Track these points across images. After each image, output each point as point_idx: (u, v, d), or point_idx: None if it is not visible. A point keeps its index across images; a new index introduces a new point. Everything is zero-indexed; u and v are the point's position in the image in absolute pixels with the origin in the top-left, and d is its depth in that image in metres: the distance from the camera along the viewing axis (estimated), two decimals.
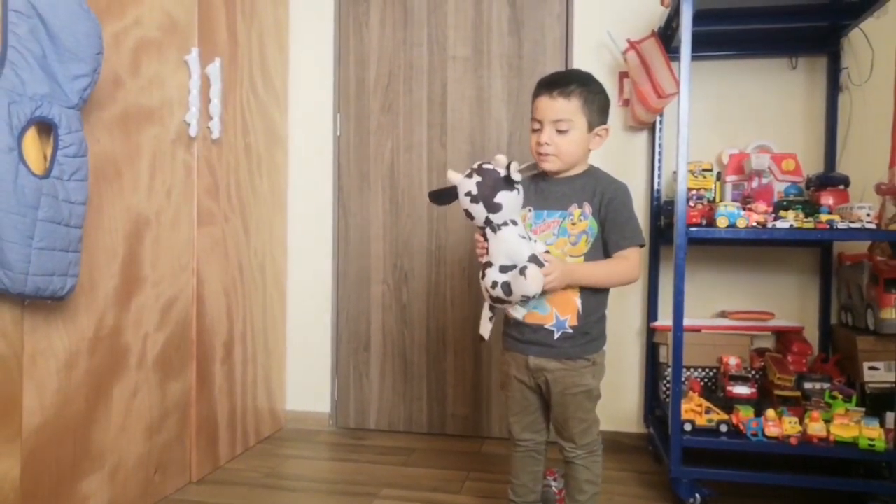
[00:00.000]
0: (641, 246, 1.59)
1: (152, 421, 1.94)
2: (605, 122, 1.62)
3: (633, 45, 2.35)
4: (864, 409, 1.93)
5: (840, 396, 1.97)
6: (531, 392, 1.66)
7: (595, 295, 1.59)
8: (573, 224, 1.57)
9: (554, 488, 1.92)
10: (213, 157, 2.22)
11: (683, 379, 2.04)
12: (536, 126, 1.59)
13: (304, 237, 2.80)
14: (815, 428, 1.87)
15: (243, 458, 2.41)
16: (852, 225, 1.87)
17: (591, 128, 1.58)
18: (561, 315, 1.56)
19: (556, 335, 1.56)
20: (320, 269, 2.80)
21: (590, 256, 1.56)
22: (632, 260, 1.56)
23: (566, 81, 1.57)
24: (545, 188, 1.64)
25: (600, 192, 1.57)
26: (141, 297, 1.87)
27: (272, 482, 2.19)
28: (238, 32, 2.36)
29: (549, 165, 1.59)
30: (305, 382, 2.80)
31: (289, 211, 2.81)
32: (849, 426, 1.85)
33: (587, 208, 1.57)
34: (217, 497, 2.05)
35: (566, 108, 1.54)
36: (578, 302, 1.57)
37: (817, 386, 2.06)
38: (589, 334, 1.59)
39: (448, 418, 2.70)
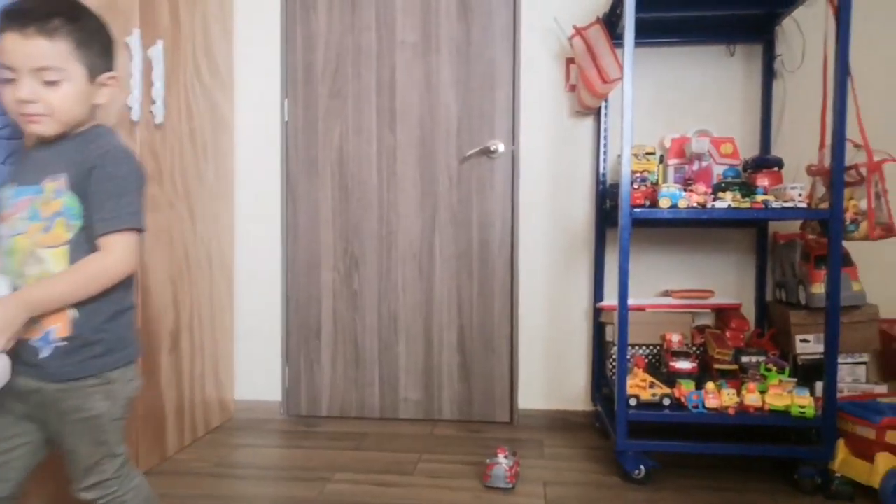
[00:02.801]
0: (135, 230, 1.18)
1: None
2: (111, 68, 1.23)
3: (578, 31, 2.39)
4: (795, 380, 2.04)
5: (774, 368, 2.07)
6: (23, 422, 1.21)
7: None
8: (46, 203, 1.15)
9: (504, 465, 1.95)
10: (157, 142, 2.16)
11: (629, 356, 2.10)
12: (10, 75, 1.12)
13: (251, 224, 2.76)
14: (752, 399, 1.96)
15: (192, 448, 2.37)
16: (785, 204, 1.96)
17: (92, 77, 1.18)
18: (46, 324, 1.14)
19: (44, 353, 1.14)
20: (268, 255, 2.76)
21: (77, 247, 1.15)
22: (112, 252, 1.15)
23: (46, 13, 1.12)
24: (30, 154, 1.25)
25: (82, 160, 1.16)
26: None
27: (221, 471, 2.17)
28: (181, 15, 2.30)
29: (41, 128, 1.16)
30: (255, 371, 2.77)
31: (235, 197, 2.76)
32: (782, 396, 1.96)
33: (63, 181, 1.15)
34: (164, 488, 2.01)
35: (51, 53, 1.12)
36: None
37: (753, 359, 2.17)
38: (98, 344, 1.17)
39: (400, 403, 2.71)
